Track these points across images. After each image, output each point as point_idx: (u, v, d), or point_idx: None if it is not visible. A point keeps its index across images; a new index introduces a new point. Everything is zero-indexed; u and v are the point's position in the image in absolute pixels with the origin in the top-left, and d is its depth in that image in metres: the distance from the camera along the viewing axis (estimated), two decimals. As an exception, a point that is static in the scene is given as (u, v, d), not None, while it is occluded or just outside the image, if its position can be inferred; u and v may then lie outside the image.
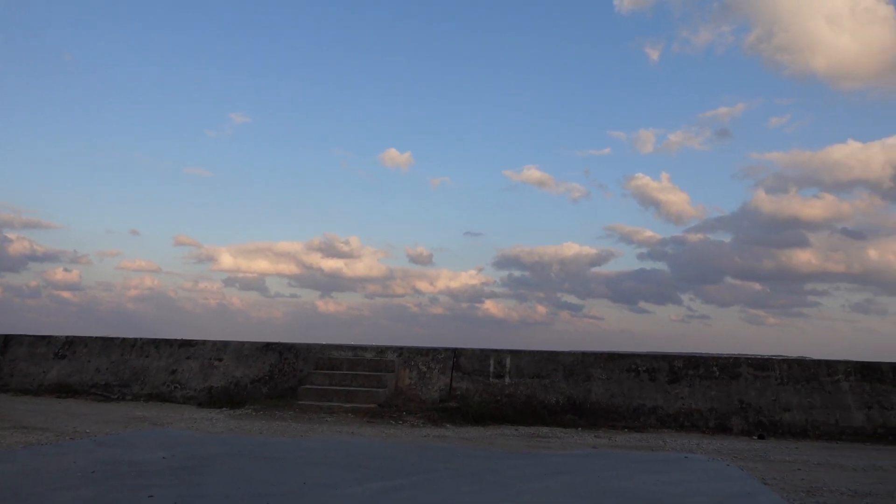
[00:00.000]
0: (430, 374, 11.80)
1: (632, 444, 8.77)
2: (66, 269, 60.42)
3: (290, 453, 7.13)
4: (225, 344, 13.03)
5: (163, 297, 60.72)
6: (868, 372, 10.50)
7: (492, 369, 11.58)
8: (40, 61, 65.43)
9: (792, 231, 61.91)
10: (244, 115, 70.77)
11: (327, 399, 11.11)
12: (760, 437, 9.91)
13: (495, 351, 11.82)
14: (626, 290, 61.02)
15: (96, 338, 13.68)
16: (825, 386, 10.48)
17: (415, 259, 66.98)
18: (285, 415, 10.39)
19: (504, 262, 68.67)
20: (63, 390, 12.71)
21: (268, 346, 12.81)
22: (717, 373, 10.91)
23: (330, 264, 64.96)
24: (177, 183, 71.14)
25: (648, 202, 68.27)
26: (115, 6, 66.08)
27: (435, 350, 12.11)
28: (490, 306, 59.15)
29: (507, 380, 11.42)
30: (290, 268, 64.90)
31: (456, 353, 11.93)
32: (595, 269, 65.25)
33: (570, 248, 64.50)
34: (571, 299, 66.18)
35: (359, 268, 64.83)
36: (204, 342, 13.14)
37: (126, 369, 12.99)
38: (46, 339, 13.89)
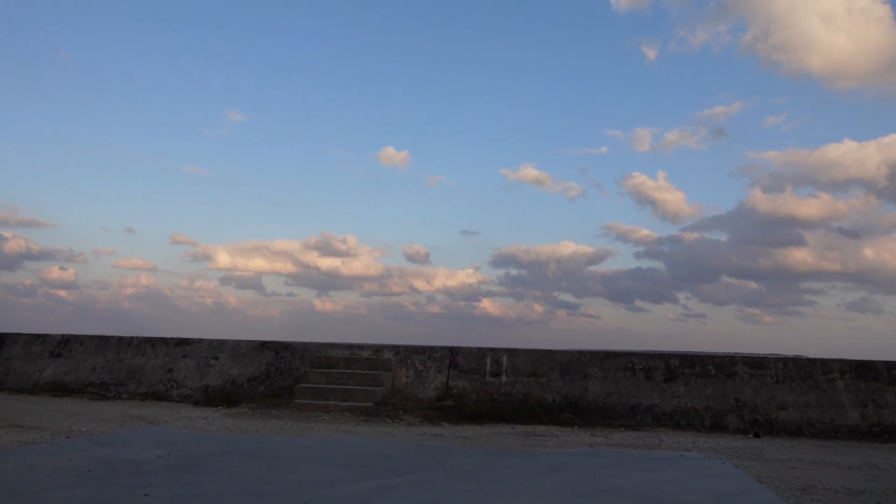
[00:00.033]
0: (427, 372, 11.81)
1: (628, 443, 8.78)
2: (61, 268, 60.27)
3: (287, 452, 7.13)
4: (221, 342, 13.01)
5: (159, 296, 60.62)
6: (863, 370, 10.54)
7: (488, 368, 11.59)
8: (36, 59, 65.21)
9: (788, 230, 62.13)
10: (241, 114, 70.67)
11: (324, 398, 11.11)
12: (756, 435, 9.94)
13: (492, 349, 11.84)
14: (623, 289, 61.14)
15: (92, 336, 13.65)
16: (820, 384, 10.52)
17: (412, 258, 66.99)
18: (282, 413, 10.38)
19: (501, 260, 68.74)
20: (59, 389, 12.68)
21: (264, 345, 12.80)
22: (713, 371, 10.94)
23: (327, 263, 64.92)
24: (173, 181, 71.02)
25: (645, 201, 68.41)
26: (112, 4, 65.88)
27: (431, 349, 12.11)
28: (487, 305, 59.19)
29: (503, 378, 11.43)
30: (286, 266, 64.84)
31: (452, 351, 11.93)
32: (592, 268, 65.37)
33: (567, 247, 64.59)
34: (568, 298, 66.28)
35: (356, 266, 64.80)
36: (200, 341, 13.12)
37: (122, 368, 12.97)
38: (42, 338, 13.85)
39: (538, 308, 58.76)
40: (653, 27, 72.09)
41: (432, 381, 11.66)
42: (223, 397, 11.80)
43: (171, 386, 12.50)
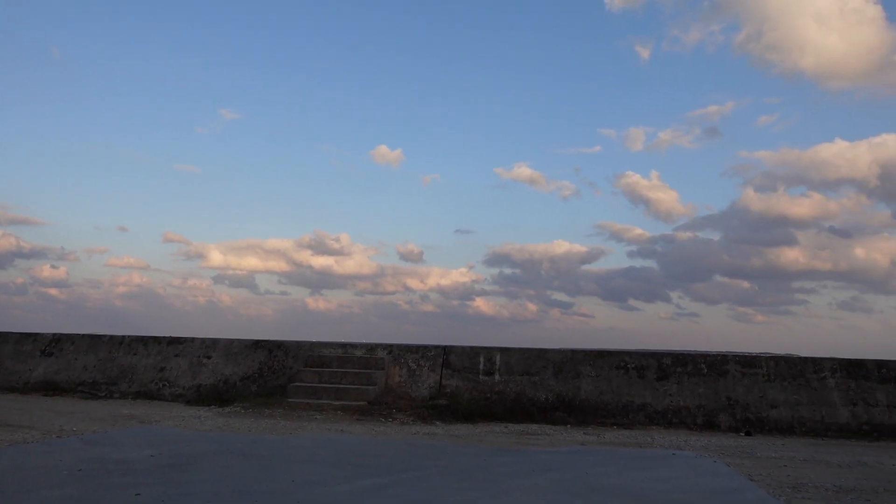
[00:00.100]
0: (420, 371, 11.81)
1: (620, 441, 8.81)
2: (53, 266, 59.83)
3: (279, 451, 7.11)
4: (214, 341, 12.97)
5: (151, 295, 60.30)
6: (853, 369, 10.61)
7: (482, 367, 11.60)
8: (28, 57, 64.72)
9: (780, 229, 62.36)
10: (234, 112, 70.35)
11: (317, 397, 11.09)
12: (747, 433, 9.99)
13: (485, 348, 11.85)
14: (616, 288, 61.26)
15: (83, 335, 13.57)
16: (811, 383, 10.58)
17: (405, 256, 66.88)
18: (274, 413, 10.36)
19: (494, 259, 68.74)
20: (50, 388, 12.60)
21: (257, 344, 12.76)
22: (705, 370, 10.99)
23: (320, 261, 64.70)
24: (166, 179, 70.60)
25: (638, 200, 68.51)
26: (105, 1, 65.47)
27: (425, 347, 12.11)
28: (480, 304, 59.19)
29: (496, 377, 11.44)
30: (279, 265, 64.59)
31: (446, 350, 11.94)
32: (585, 267, 65.43)
33: (561, 246, 64.61)
34: (561, 297, 66.37)
35: (349, 265, 64.65)
36: (192, 340, 13.07)
37: (113, 367, 12.90)
38: (33, 337, 13.77)
39: (532, 307, 58.82)
40: (646, 27, 72.23)
41: (425, 380, 11.66)
42: (216, 396, 11.76)
43: (163, 385, 12.44)
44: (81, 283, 59.52)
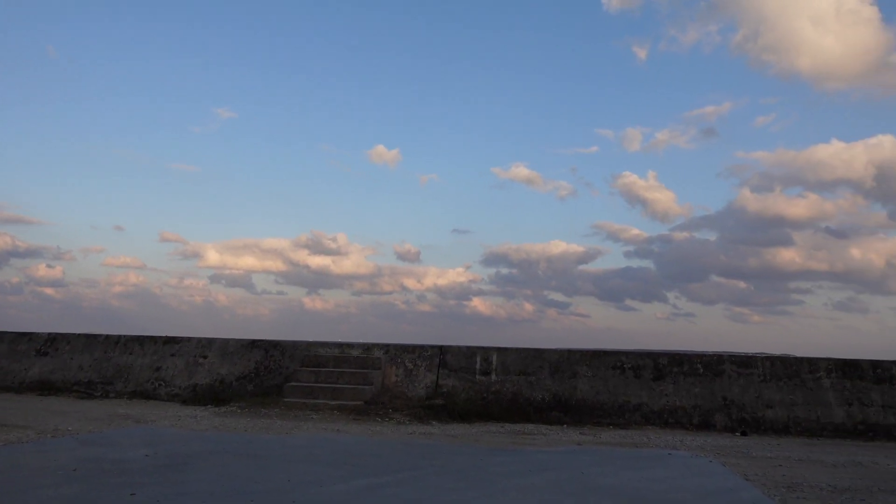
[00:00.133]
0: (417, 371, 11.81)
1: (616, 441, 8.83)
2: (49, 266, 59.69)
3: (275, 451, 7.10)
4: (210, 341, 12.95)
5: (147, 294, 60.19)
6: (849, 369, 10.64)
7: (478, 366, 11.61)
8: (24, 56, 64.53)
9: (776, 230, 62.58)
10: (230, 111, 70.27)
11: (313, 396, 11.08)
12: (743, 433, 10.02)
13: (482, 348, 11.85)
14: (613, 288, 61.37)
15: (79, 334, 13.54)
16: (807, 383, 10.61)
17: (402, 256, 66.90)
18: (271, 412, 10.35)
19: (492, 259, 68.78)
20: (45, 388, 12.56)
21: (253, 344, 12.74)
22: (701, 370, 11.02)
23: (317, 261, 64.67)
24: (162, 179, 70.49)
25: (635, 200, 68.66)
26: (101, 1, 65.30)
27: (421, 347, 12.11)
28: (478, 304, 59.23)
29: (493, 377, 11.45)
30: (276, 265, 64.55)
31: (442, 350, 11.94)
32: (582, 267, 65.56)
33: (558, 246, 64.72)
34: (558, 297, 66.46)
35: (346, 265, 64.64)
36: (189, 339, 13.05)
37: (109, 366, 12.87)
38: (28, 336, 13.73)
39: (528, 307, 58.90)
40: (643, 27, 72.41)
41: (422, 380, 11.66)
42: (212, 396, 11.74)
43: (159, 385, 12.42)
44: (77, 283, 59.39)
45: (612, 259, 73.56)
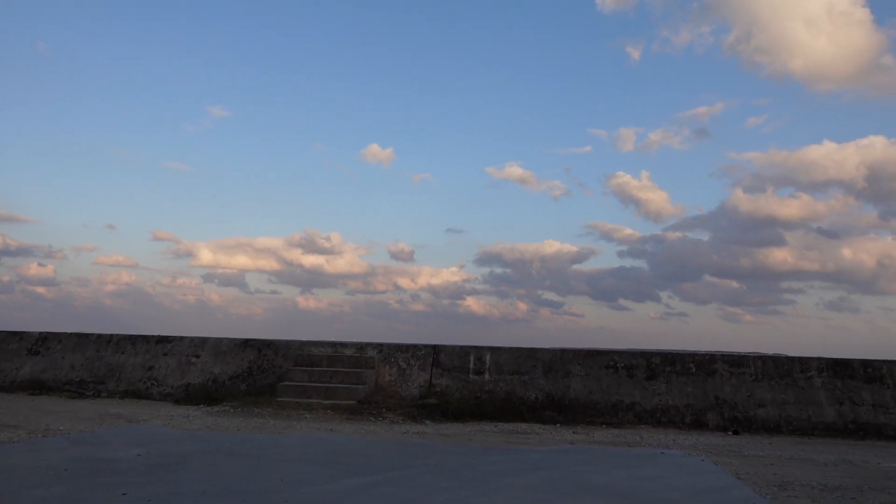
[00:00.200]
0: (410, 370, 11.80)
1: (609, 440, 8.85)
2: (40, 264, 59.26)
3: (268, 450, 7.09)
4: (203, 340, 12.90)
5: (140, 293, 59.90)
6: (840, 369, 10.71)
7: (471, 366, 11.61)
8: (13, 51, 64.02)
9: (769, 230, 62.87)
10: (224, 109, 69.99)
11: (306, 396, 11.06)
12: (735, 432, 10.06)
13: (475, 347, 11.86)
14: (606, 288, 61.52)
15: (71, 334, 13.46)
16: (798, 382, 10.67)
17: (396, 256, 66.83)
18: (264, 412, 10.32)
19: (485, 259, 68.77)
20: (36, 387, 12.49)
21: (246, 343, 12.71)
22: (694, 369, 11.06)
23: (311, 260, 64.50)
24: (155, 177, 70.13)
25: (629, 200, 68.84)
26: (92, -4, 64.87)
27: (415, 347, 12.11)
28: (471, 303, 59.25)
29: (486, 376, 11.46)
30: (270, 264, 64.35)
31: (436, 349, 11.94)
32: (575, 267, 65.66)
33: (551, 246, 64.79)
34: (552, 296, 66.50)
35: (340, 264, 64.51)
36: (181, 338, 13.00)
37: (101, 366, 12.81)
38: (19, 335, 13.64)
39: (522, 306, 58.95)
40: (637, 27, 72.62)
41: (415, 380, 11.66)
42: (204, 395, 11.70)
43: (152, 384, 12.37)
44: (69, 282, 59.03)
45: (606, 259, 73.77)
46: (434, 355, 11.87)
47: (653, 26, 71.78)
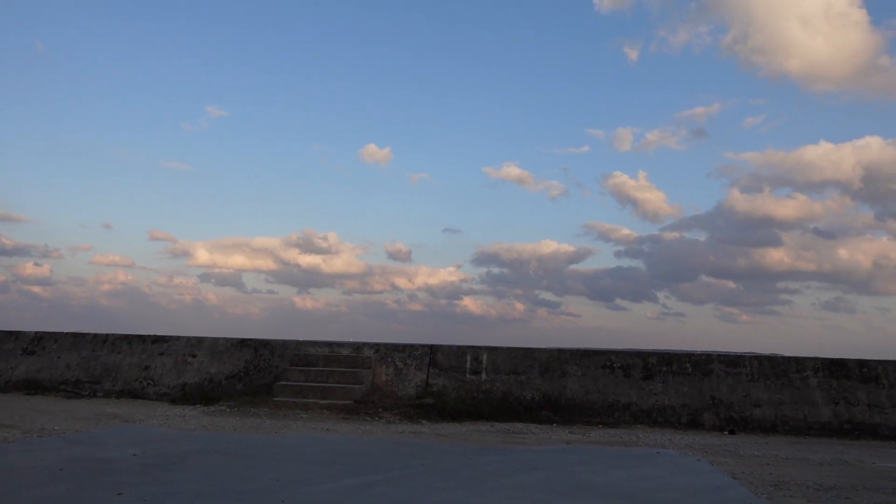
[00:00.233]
0: (407, 370, 11.80)
1: (606, 440, 8.86)
2: (36, 264, 58.93)
3: (264, 450, 7.08)
4: (199, 340, 12.87)
5: (136, 293, 59.65)
6: (835, 368, 10.74)
7: (468, 366, 11.61)
8: (10, 51, 63.73)
9: (765, 230, 62.89)
10: (221, 109, 69.67)
11: (303, 396, 11.04)
12: (731, 432, 10.08)
13: (472, 347, 11.86)
14: (603, 288, 61.47)
15: (66, 333, 13.42)
16: (794, 382, 10.70)
17: (393, 255, 66.66)
18: (260, 411, 10.31)
19: (483, 259, 68.63)
20: (31, 387, 12.44)
21: (243, 343, 12.68)
22: (690, 369, 11.08)
23: (308, 260, 64.29)
24: (151, 176, 69.77)
25: (626, 200, 68.76)
26: (89, -5, 64.61)
27: (412, 346, 12.10)
28: (469, 303, 59.18)
29: (483, 376, 11.46)
30: (267, 263, 64.11)
31: (433, 349, 11.94)
32: (573, 267, 65.57)
33: (549, 246, 64.67)
34: (549, 296, 66.36)
35: (337, 264, 64.33)
36: (178, 338, 12.97)
37: (97, 365, 12.77)
38: (14, 335, 13.59)
39: (519, 306, 58.87)
40: (634, 28, 72.53)
41: (412, 379, 11.65)
42: (201, 395, 11.67)
43: (148, 384, 12.34)
44: (65, 281, 58.76)
45: (603, 259, 73.66)
46: (431, 355, 11.87)
47: (650, 26, 71.75)
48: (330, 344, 12.52)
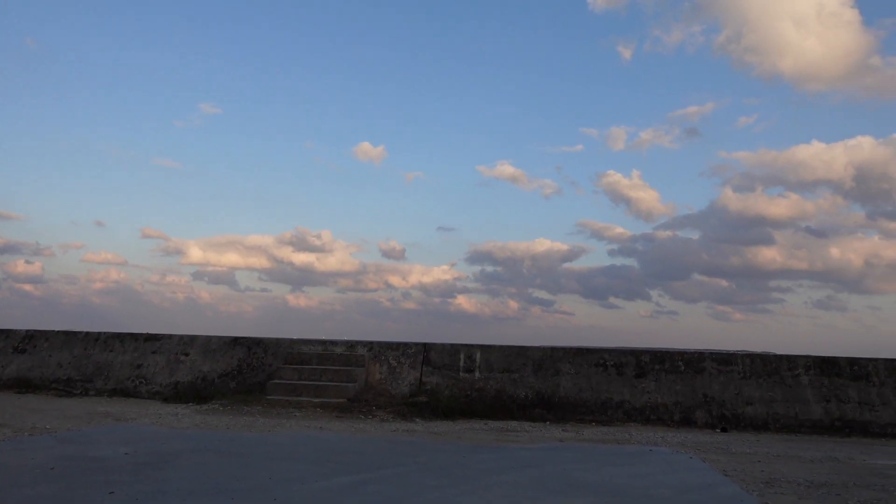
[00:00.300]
0: (401, 368, 11.80)
1: (598, 438, 8.89)
2: (27, 262, 58.72)
3: (257, 448, 7.06)
4: (192, 338, 12.83)
5: (129, 291, 59.52)
6: (827, 366, 10.81)
7: (462, 364, 11.62)
8: (1, 48, 63.33)
9: (758, 229, 63.31)
10: (214, 106, 69.51)
11: (296, 394, 11.03)
12: (723, 429, 10.13)
13: (465, 345, 11.87)
14: (597, 286, 61.76)
15: (58, 331, 13.35)
16: (786, 380, 10.76)
17: (387, 254, 66.76)
18: (253, 410, 10.29)
19: (477, 257, 68.80)
20: (22, 385, 12.38)
21: (236, 341, 12.65)
22: (683, 367, 11.13)
23: (301, 258, 64.30)
24: (144, 174, 69.62)
25: (619, 199, 69.12)
26: (80, -9, 64.26)
27: (405, 345, 12.10)
28: (462, 301, 59.32)
29: (476, 374, 11.47)
30: (260, 262, 64.08)
31: (426, 347, 11.94)
32: (566, 265, 65.85)
33: (542, 244, 64.95)
34: (543, 295, 66.63)
35: (331, 262, 64.38)
36: (170, 336, 12.92)
37: (89, 364, 12.71)
38: (5, 333, 13.51)
39: (513, 305, 59.08)
40: (628, 27, 72.88)
41: (406, 377, 11.66)
42: (193, 394, 11.64)
43: (140, 382, 12.29)
44: (57, 279, 58.55)
45: (596, 257, 74.00)
46: (424, 353, 11.87)
47: (644, 26, 72.04)
48: (323, 342, 12.50)
